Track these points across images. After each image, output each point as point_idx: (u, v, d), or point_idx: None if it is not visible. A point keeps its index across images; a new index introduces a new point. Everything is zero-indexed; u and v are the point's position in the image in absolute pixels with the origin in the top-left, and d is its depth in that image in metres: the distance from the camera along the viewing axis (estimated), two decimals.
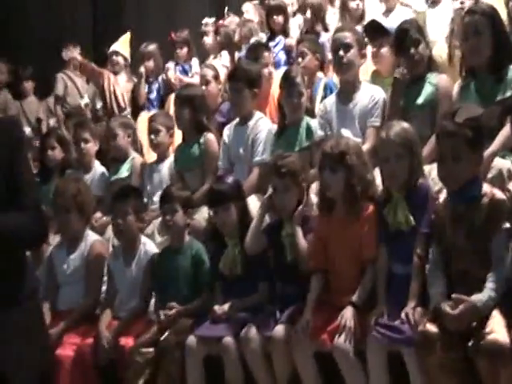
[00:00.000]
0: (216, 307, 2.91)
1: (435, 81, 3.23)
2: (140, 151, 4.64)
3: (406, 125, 2.64)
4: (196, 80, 5.32)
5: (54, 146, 4.69)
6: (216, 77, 4.91)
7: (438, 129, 2.47)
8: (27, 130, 5.93)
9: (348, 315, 2.46)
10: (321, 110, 3.57)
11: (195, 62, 5.70)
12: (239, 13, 6.19)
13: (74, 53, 5.95)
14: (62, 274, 3.51)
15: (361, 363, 2.44)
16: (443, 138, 2.36)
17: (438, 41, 4.13)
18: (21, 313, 1.88)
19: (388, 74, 3.77)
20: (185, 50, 5.67)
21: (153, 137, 4.12)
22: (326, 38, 4.89)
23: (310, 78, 4.16)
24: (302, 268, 2.79)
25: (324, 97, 4.02)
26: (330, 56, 4.49)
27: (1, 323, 1.83)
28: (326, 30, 5.13)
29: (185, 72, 5.61)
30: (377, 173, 2.82)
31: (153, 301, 3.31)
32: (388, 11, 4.68)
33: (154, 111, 5.31)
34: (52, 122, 6.02)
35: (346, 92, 3.49)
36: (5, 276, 1.88)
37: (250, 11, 6.04)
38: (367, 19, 4.55)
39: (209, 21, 6.28)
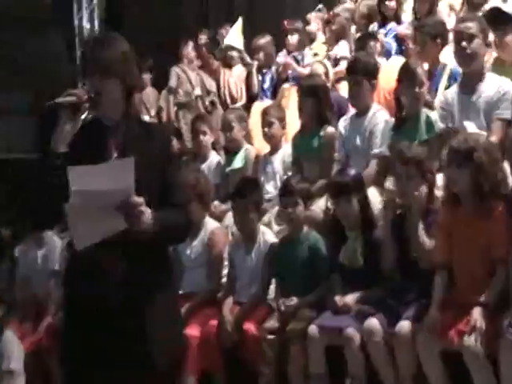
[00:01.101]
0: (337, 298, 2.96)
1: None
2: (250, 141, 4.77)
3: None
4: (307, 71, 5.36)
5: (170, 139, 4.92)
6: (326, 73, 4.92)
7: None
8: (146, 118, 6.24)
9: (478, 316, 2.43)
10: (441, 101, 3.50)
11: (308, 52, 5.70)
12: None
13: (188, 48, 6.15)
14: (186, 259, 3.70)
15: (491, 366, 2.40)
16: None
17: None
18: (166, 298, 2.03)
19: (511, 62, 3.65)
20: (296, 38, 5.68)
21: (266, 129, 4.23)
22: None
23: (433, 65, 4.01)
24: (423, 264, 2.78)
25: (448, 86, 3.85)
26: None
27: (149, 308, 1.98)
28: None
29: (296, 62, 5.60)
30: (507, 167, 2.75)
31: (272, 287, 3.42)
32: None
33: (267, 101, 5.44)
34: (172, 111, 6.27)
35: (470, 83, 3.39)
36: (158, 266, 2.04)
37: None
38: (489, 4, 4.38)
39: (317, 8, 6.29)
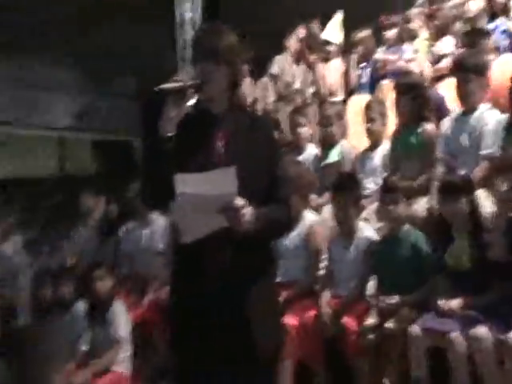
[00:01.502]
0: (442, 302, 2.90)
1: None
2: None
3: None
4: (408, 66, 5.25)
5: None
6: (421, 72, 4.79)
7: None
8: None
9: None
10: None
11: (408, 47, 5.57)
12: None
13: (290, 41, 6.16)
14: (283, 248, 3.71)
15: None
16: None
17: None
18: (267, 287, 2.07)
19: None
20: (394, 32, 5.53)
21: (369, 125, 4.19)
22: None
23: None
24: None
25: None
26: None
27: (251, 297, 2.00)
28: None
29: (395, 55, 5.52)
30: None
31: (370, 284, 3.40)
32: None
33: (364, 96, 5.39)
34: (268, 103, 6.31)
35: None
36: (261, 255, 2.06)
37: None
38: None
39: (418, 2, 6.10)
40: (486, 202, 3.12)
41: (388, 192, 3.36)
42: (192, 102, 2.19)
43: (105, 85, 8.46)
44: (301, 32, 6.24)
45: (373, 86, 5.45)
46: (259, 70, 6.66)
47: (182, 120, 2.04)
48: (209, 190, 1.88)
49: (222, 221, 1.92)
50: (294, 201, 3.64)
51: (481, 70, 3.67)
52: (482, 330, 2.69)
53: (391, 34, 5.54)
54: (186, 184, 1.88)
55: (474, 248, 2.95)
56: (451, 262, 3.00)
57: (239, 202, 1.90)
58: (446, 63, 5.02)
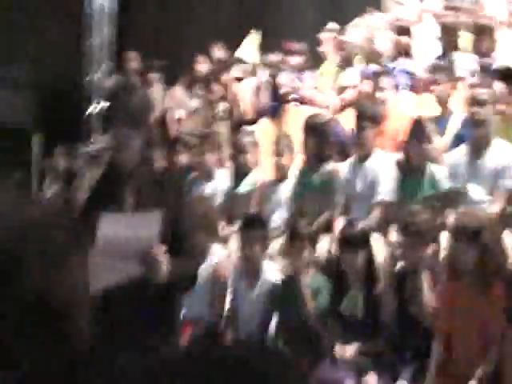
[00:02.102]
0: (337, 348, 3.13)
1: None
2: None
3: None
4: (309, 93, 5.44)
5: (181, 152, 5.03)
6: (326, 106, 4.99)
7: None
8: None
9: None
10: (450, 160, 3.64)
11: (310, 74, 5.69)
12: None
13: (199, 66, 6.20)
14: None
15: None
16: None
17: None
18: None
19: None
20: (298, 59, 5.66)
21: (277, 159, 4.35)
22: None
23: (443, 109, 4.15)
24: (425, 323, 2.95)
25: (456, 133, 3.98)
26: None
27: None
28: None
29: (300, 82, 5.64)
30: (506, 240, 2.92)
31: (273, 324, 3.57)
32: None
33: (272, 119, 5.50)
34: (180, 112, 6.31)
35: (478, 147, 3.55)
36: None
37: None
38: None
39: (329, 27, 6.29)
40: (379, 249, 3.37)
41: (294, 238, 3.50)
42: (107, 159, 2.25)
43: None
44: (216, 52, 6.27)
45: (279, 108, 5.48)
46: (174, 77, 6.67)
47: (97, 182, 2.13)
48: (131, 233, 1.95)
49: (135, 270, 1.97)
50: (202, 237, 3.84)
51: (376, 120, 3.94)
52: (371, 378, 2.94)
53: (295, 60, 5.67)
54: (109, 225, 1.93)
55: (368, 297, 3.19)
56: (347, 309, 3.23)
57: (159, 248, 1.98)
58: (350, 95, 5.31)
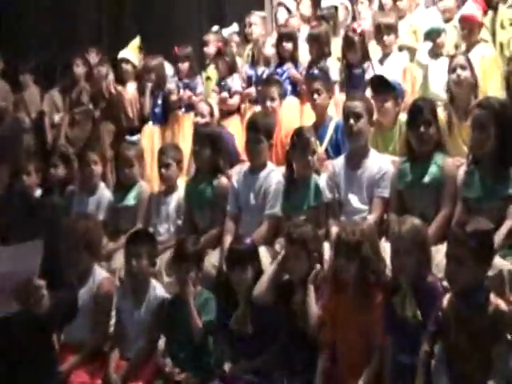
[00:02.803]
0: (226, 366, 3.11)
1: (441, 162, 3.34)
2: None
3: (417, 221, 2.83)
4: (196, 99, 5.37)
5: (58, 164, 4.78)
6: (211, 113, 4.92)
7: (449, 233, 2.69)
8: (26, 121, 5.93)
9: None
10: (329, 171, 3.70)
11: (199, 80, 5.64)
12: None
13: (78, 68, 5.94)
14: None
15: None
16: (452, 243, 2.57)
17: (440, 95, 4.32)
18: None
19: (390, 127, 3.93)
20: (186, 65, 5.55)
21: (163, 170, 4.22)
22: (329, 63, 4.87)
23: (321, 117, 4.25)
24: (311, 335, 3.00)
25: (333, 138, 4.11)
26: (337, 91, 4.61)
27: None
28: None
29: (188, 89, 5.52)
30: (384, 247, 3.03)
31: (161, 343, 3.49)
32: (385, 56, 4.82)
33: (157, 126, 5.41)
34: (57, 118, 6.00)
35: (355, 158, 3.63)
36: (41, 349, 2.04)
37: (258, 24, 5.91)
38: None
39: (213, 29, 6.27)
40: (265, 262, 3.39)
41: (180, 261, 3.42)
42: None
43: None
44: (92, 56, 6.05)
45: (165, 115, 5.46)
46: (47, 80, 6.35)
47: None
48: (8, 264, 1.80)
49: (13, 305, 1.85)
50: (84, 256, 3.66)
51: (269, 132, 3.94)
52: None
53: (184, 66, 5.58)
54: None
55: (255, 312, 3.19)
56: (235, 326, 3.21)
57: (39, 282, 1.87)
58: (235, 101, 5.30)
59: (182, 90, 5.50)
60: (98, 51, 6.16)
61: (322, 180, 3.71)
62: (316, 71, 4.79)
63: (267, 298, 3.18)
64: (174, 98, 5.44)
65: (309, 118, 4.51)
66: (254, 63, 5.63)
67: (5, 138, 2.07)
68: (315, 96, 4.23)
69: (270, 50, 5.47)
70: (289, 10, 6.16)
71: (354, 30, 4.71)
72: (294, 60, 5.21)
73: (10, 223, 1.99)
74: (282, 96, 4.76)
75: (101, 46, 6.14)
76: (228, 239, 3.72)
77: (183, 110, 5.45)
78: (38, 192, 4.65)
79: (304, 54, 5.26)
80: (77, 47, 6.38)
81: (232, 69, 5.50)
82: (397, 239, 2.79)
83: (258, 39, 5.74)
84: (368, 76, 4.48)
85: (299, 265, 3.08)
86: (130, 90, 5.76)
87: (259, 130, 3.86)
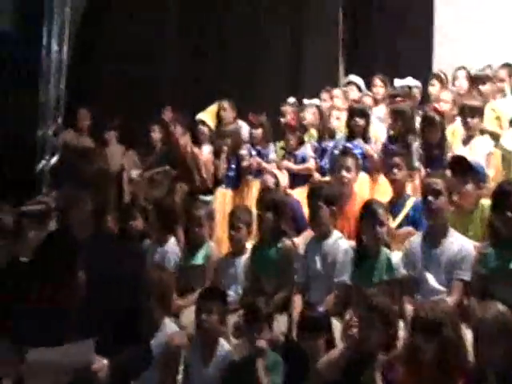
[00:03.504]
0: None
1: None
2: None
3: (502, 307, 2.77)
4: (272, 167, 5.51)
5: (136, 217, 4.96)
6: (276, 184, 5.02)
7: None
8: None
9: None
10: (406, 248, 3.70)
11: (271, 148, 5.76)
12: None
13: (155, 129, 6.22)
14: None
15: None
16: None
17: None
18: None
19: (471, 210, 3.84)
20: (260, 132, 5.70)
21: (233, 233, 4.32)
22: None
23: (398, 193, 4.28)
24: None
25: (409, 215, 4.09)
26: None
27: None
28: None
29: (260, 156, 5.69)
30: (465, 333, 2.96)
31: None
32: (468, 138, 4.82)
33: (230, 189, 5.56)
34: (134, 174, 6.26)
35: (434, 236, 3.61)
36: None
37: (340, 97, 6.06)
38: None
39: (290, 101, 6.46)
40: (336, 333, 3.36)
41: (251, 320, 3.45)
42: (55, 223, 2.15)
43: None
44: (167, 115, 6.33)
45: (238, 179, 5.61)
46: (130, 137, 6.66)
47: (42, 245, 1.98)
48: (64, 359, 1.89)
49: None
50: (155, 306, 3.73)
51: (331, 200, 3.97)
52: None
53: (257, 133, 5.73)
54: (40, 354, 1.86)
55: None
56: None
57: (98, 364, 1.92)
58: (311, 164, 5.37)
59: (253, 156, 5.63)
60: (174, 110, 6.43)
61: (395, 255, 3.71)
62: (393, 146, 4.82)
63: (334, 374, 3.14)
64: (245, 163, 5.60)
65: (380, 196, 4.54)
66: (320, 137, 5.74)
67: (89, 169, 2.14)
68: (395, 171, 4.27)
69: (335, 122, 5.59)
70: (359, 89, 6.35)
71: (436, 110, 4.79)
72: (365, 136, 5.28)
73: (93, 264, 2.04)
74: (359, 168, 4.79)
75: (180, 107, 6.41)
76: (297, 307, 3.74)
77: (253, 175, 5.58)
78: None
79: (374, 132, 5.37)
80: (157, 108, 6.68)
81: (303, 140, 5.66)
82: (481, 326, 2.73)
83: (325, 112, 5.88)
84: (448, 156, 4.51)
85: (374, 334, 3.04)
86: (206, 151, 5.97)
87: (319, 197, 3.94)
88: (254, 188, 5.52)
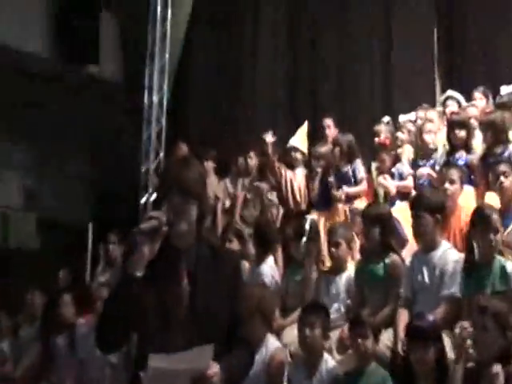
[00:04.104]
0: None
1: None
2: None
3: None
4: (363, 187, 5.42)
5: (231, 239, 5.03)
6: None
7: None
8: None
9: None
10: None
11: (358, 165, 5.54)
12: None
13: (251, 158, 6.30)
14: None
15: None
16: None
17: None
18: None
19: None
20: (344, 150, 5.47)
21: (333, 250, 4.25)
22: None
23: (507, 201, 4.09)
24: None
25: None
26: None
27: None
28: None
29: (344, 176, 5.49)
30: None
31: None
32: None
33: (322, 212, 5.44)
34: (227, 202, 6.38)
35: None
36: None
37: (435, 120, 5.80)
38: None
39: (384, 120, 6.27)
40: (451, 348, 3.19)
41: (356, 325, 3.37)
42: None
43: (58, 166, 8.44)
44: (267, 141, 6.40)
45: (329, 202, 5.46)
46: (224, 168, 6.82)
47: (154, 258, 2.02)
48: (183, 366, 1.91)
49: None
50: (257, 323, 3.73)
51: (435, 208, 3.78)
52: None
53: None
54: (161, 361, 1.90)
55: None
56: None
57: (212, 370, 1.93)
58: (409, 183, 5.19)
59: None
60: (273, 134, 6.49)
61: (510, 264, 3.49)
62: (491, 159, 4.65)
63: None
64: (333, 192, 5.45)
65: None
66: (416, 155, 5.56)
67: (191, 179, 2.10)
68: (502, 178, 4.08)
69: (428, 137, 5.40)
70: (459, 104, 6.15)
71: None
72: (468, 148, 5.06)
73: (196, 272, 2.07)
74: (463, 181, 4.64)
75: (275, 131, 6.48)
76: (403, 322, 3.58)
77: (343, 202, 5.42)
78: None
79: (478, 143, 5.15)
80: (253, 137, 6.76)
81: (399, 158, 5.52)
82: None
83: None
84: None
85: (490, 340, 2.86)
86: (299, 174, 5.96)
87: (422, 206, 3.79)
88: (343, 212, 5.38)
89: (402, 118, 6.09)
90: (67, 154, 8.19)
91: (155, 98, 7.66)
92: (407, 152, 5.71)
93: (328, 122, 6.38)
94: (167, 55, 7.14)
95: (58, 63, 7.24)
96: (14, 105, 7.47)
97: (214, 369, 1.94)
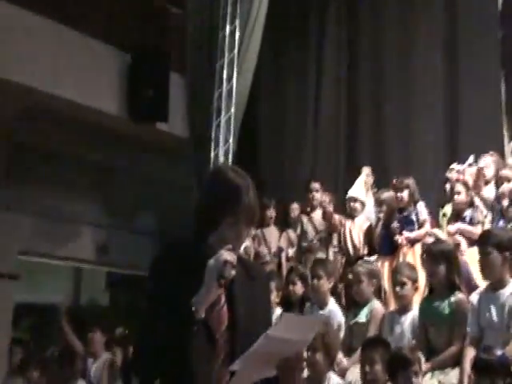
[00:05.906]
0: None
1: None
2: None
3: None
4: (425, 230, 5.24)
5: (295, 282, 5.02)
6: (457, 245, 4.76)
7: None
8: (267, 256, 6.42)
9: None
10: None
11: (421, 206, 5.38)
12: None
13: (322, 197, 6.33)
14: None
15: None
16: None
17: None
18: None
19: None
20: (406, 194, 5.36)
21: (398, 289, 4.20)
22: None
23: None
24: None
25: None
26: None
27: None
28: None
29: (408, 220, 5.34)
30: None
31: None
32: None
33: (386, 257, 5.35)
34: (290, 252, 6.40)
35: None
36: None
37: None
38: None
39: (454, 167, 6.12)
40: None
41: (403, 368, 3.28)
42: None
43: (127, 221, 8.71)
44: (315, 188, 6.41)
45: (392, 247, 5.33)
46: (283, 216, 6.86)
47: None
48: (292, 333, 1.87)
49: (271, 371, 1.90)
50: (320, 359, 3.66)
51: (504, 246, 3.70)
52: None
53: (404, 195, 5.37)
54: (279, 324, 1.87)
55: None
56: None
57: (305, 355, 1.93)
58: (477, 231, 4.94)
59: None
60: (321, 184, 6.52)
61: None
62: None
63: None
64: (396, 237, 5.34)
65: None
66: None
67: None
68: None
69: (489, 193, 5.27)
70: None
71: None
72: None
73: (233, 287, 2.00)
74: None
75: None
76: (469, 359, 3.47)
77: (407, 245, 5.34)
78: (278, 310, 4.86)
79: None
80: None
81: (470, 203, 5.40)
82: None
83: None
84: None
85: None
86: (360, 220, 5.92)
87: (489, 242, 3.70)
88: (407, 256, 5.29)
89: (471, 159, 5.94)
90: (136, 209, 8.47)
91: (221, 152, 7.88)
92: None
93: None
94: (233, 109, 7.36)
95: (130, 121, 7.59)
96: (92, 162, 7.86)
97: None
